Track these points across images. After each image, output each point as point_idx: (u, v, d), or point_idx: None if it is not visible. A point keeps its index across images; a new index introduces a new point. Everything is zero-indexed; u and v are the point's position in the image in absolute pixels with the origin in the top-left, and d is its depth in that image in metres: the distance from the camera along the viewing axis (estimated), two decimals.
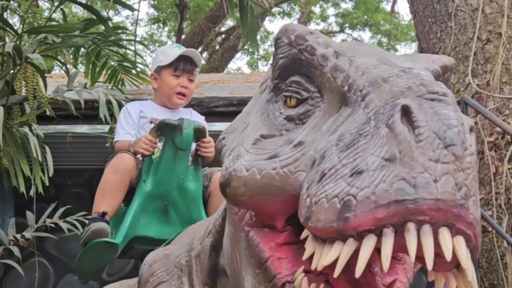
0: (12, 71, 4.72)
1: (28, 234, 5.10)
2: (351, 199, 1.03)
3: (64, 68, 5.65)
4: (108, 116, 4.88)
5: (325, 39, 1.36)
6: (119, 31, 5.83)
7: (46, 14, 8.60)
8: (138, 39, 13.75)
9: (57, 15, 6.57)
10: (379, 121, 1.08)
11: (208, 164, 3.50)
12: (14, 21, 9.45)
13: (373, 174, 1.03)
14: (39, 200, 5.08)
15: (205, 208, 3.37)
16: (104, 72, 5.77)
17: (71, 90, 5.13)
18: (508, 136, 4.26)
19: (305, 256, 1.16)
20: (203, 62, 16.45)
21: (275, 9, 17.79)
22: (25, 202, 5.03)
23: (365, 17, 18.27)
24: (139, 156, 3.32)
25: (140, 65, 5.97)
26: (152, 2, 17.17)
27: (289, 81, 1.37)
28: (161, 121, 3.26)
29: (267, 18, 18.44)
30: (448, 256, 1.00)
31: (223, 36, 17.76)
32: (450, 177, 1.00)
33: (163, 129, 3.21)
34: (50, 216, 5.20)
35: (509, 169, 4.26)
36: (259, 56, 19.73)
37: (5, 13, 4.96)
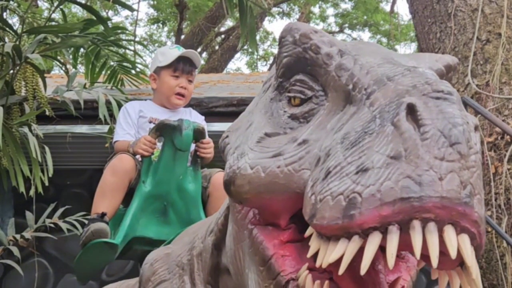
0: (11, 71, 4.72)
1: (27, 234, 5.09)
2: (356, 197, 1.04)
3: (63, 68, 5.65)
4: (107, 116, 4.87)
5: (329, 38, 1.36)
6: (119, 31, 5.83)
7: (45, 14, 8.60)
8: (137, 39, 13.77)
9: (57, 15, 6.58)
10: (385, 119, 1.08)
11: (207, 165, 3.50)
12: (14, 21, 9.47)
13: (378, 171, 1.03)
14: (39, 200, 5.08)
15: (204, 209, 3.37)
16: (103, 72, 5.77)
17: (70, 90, 5.13)
18: (508, 137, 4.26)
19: (310, 253, 1.16)
20: (202, 62, 16.45)
21: (274, 9, 17.80)
22: (24, 202, 5.03)
23: (365, 17, 18.27)
24: (138, 156, 3.32)
25: (139, 65, 5.97)
26: (152, 2, 17.17)
27: (293, 79, 1.37)
28: (161, 122, 3.26)
29: (266, 19, 18.43)
30: (453, 254, 1.00)
31: (223, 36, 17.75)
32: (455, 175, 1.01)
33: (162, 130, 3.21)
34: (50, 216, 5.20)
35: (508, 169, 4.26)
36: (258, 57, 19.74)
37: (4, 13, 4.96)
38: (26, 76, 5.01)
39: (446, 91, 1.07)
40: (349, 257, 1.05)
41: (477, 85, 4.63)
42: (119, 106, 4.63)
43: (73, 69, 6.00)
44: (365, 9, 17.93)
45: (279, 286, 1.26)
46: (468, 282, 1.09)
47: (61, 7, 5.09)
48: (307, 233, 1.21)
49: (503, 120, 4.32)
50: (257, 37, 15.86)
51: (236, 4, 5.08)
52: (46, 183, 4.63)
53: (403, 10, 37.82)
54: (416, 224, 1.00)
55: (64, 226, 5.05)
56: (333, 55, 1.32)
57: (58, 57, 5.73)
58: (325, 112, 1.29)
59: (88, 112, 5.14)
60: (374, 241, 1.03)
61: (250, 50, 18.91)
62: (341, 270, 1.06)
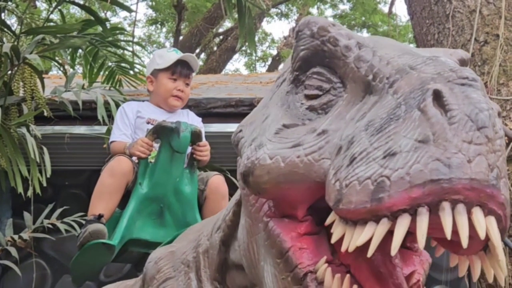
0: (9, 71, 4.72)
1: (25, 235, 5.09)
2: (384, 180, 1.05)
3: (61, 69, 5.65)
4: (106, 117, 4.88)
5: (347, 31, 1.38)
6: (117, 32, 5.83)
7: (44, 15, 8.60)
8: (136, 40, 13.76)
9: (55, 16, 6.58)
10: (410, 106, 1.09)
11: (203, 167, 3.50)
12: (12, 22, 9.46)
13: (406, 155, 1.04)
14: (37, 201, 5.07)
15: (200, 211, 3.37)
16: (102, 73, 5.77)
17: (69, 91, 5.13)
18: (506, 138, 4.26)
19: (334, 239, 1.17)
20: (200, 63, 16.46)
21: (272, 10, 17.80)
22: (22, 203, 5.02)
23: (363, 18, 18.28)
24: (135, 158, 3.32)
25: (138, 66, 5.97)
26: (150, 3, 17.16)
27: (310, 72, 1.38)
28: (158, 124, 3.27)
29: (264, 19, 18.44)
30: (482, 235, 1.01)
31: (221, 37, 17.75)
32: (483, 158, 1.02)
33: (160, 132, 3.21)
34: (48, 217, 5.19)
35: (507, 170, 4.27)
36: (257, 58, 19.73)
37: (3, 14, 4.96)
38: (24, 77, 5.00)
39: (470, 78, 1.09)
40: (378, 239, 1.06)
41: None
42: (118, 106, 4.63)
43: (71, 70, 5.99)
44: (363, 10, 17.94)
45: (297, 278, 1.27)
46: (492, 264, 1.11)
47: (59, 7, 5.09)
48: (328, 221, 1.22)
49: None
50: (256, 38, 15.86)
51: (235, 4, 5.08)
52: (44, 184, 4.63)
53: (402, 12, 37.89)
54: (446, 205, 1.01)
55: (62, 226, 5.04)
56: (352, 47, 1.33)
57: (56, 58, 5.73)
58: (343, 103, 1.30)
59: (86, 113, 5.14)
60: (403, 222, 1.03)
61: (248, 51, 18.92)
62: (370, 253, 1.06)
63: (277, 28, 50.43)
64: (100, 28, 5.33)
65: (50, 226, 5.13)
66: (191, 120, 3.76)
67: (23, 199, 4.71)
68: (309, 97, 1.37)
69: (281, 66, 19.26)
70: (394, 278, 1.29)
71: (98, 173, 3.42)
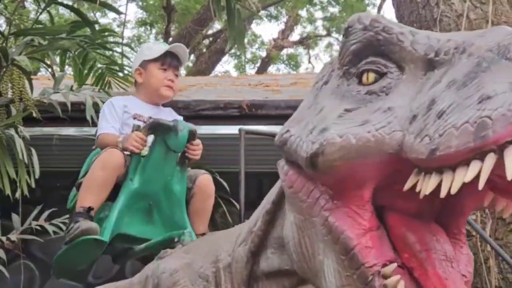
0: None
1: (13, 236, 5.07)
2: (485, 120, 1.06)
3: (50, 70, 5.64)
4: (95, 118, 4.87)
5: (397, 23, 1.46)
6: (106, 33, 5.82)
7: (33, 15, 8.56)
8: (125, 41, 13.74)
9: (45, 17, 6.56)
10: (493, 60, 1.13)
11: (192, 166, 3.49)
12: (0, 23, 9.42)
13: (503, 96, 1.06)
14: (25, 203, 5.06)
15: (187, 209, 3.36)
16: (91, 74, 5.76)
17: (57, 92, 5.12)
18: None
19: (429, 189, 1.18)
20: (190, 64, 16.45)
21: (262, 12, 17.81)
22: (10, 204, 5.00)
23: None
24: (127, 152, 3.30)
25: (127, 68, 5.96)
26: (140, 3, 17.13)
27: (362, 63, 1.43)
28: (155, 121, 3.24)
29: (254, 21, 18.45)
30: None
31: (210, 39, 17.75)
32: None
33: (156, 129, 3.20)
34: (36, 218, 5.18)
35: None
36: (246, 59, 19.73)
37: None
38: (13, 78, 4.98)
39: None
40: (487, 172, 1.07)
41: None
42: None
43: (60, 71, 5.98)
44: (352, 12, 17.98)
45: (364, 276, 1.29)
46: None
47: (48, 9, 5.08)
48: (408, 185, 1.24)
49: None
50: (245, 40, 15.87)
51: (224, 6, 5.08)
52: (33, 185, 4.61)
53: (390, 15, 37.98)
54: None
55: (50, 228, 5.03)
56: (406, 33, 1.39)
57: (45, 59, 5.71)
58: (403, 83, 1.35)
59: (75, 114, 5.13)
60: None
61: (238, 53, 18.91)
62: (481, 185, 1.08)
63: (266, 30, 50.40)
64: (89, 30, 5.32)
65: (38, 227, 5.11)
66: (174, 118, 3.75)
67: (11, 201, 4.69)
68: (364, 85, 1.41)
69: (269, 68, 19.26)
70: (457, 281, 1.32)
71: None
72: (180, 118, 3.85)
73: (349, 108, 1.40)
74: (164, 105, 3.87)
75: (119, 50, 6.09)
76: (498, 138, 1.05)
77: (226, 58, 19.37)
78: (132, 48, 12.39)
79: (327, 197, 1.42)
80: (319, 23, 19.79)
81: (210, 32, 17.76)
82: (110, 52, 5.94)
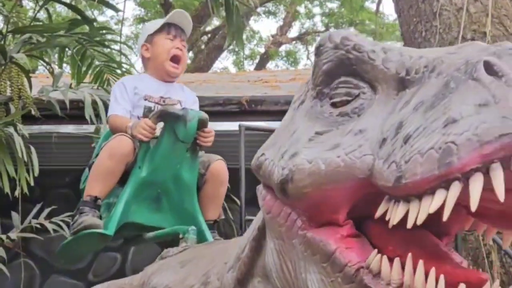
0: None
1: (13, 235, 5.06)
2: (450, 146, 1.03)
3: (48, 68, 5.62)
4: (93, 116, 4.86)
5: (369, 40, 1.41)
6: (104, 31, 5.80)
7: (31, 13, 8.55)
8: (123, 38, 13.71)
9: (42, 15, 6.55)
10: (461, 79, 1.09)
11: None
12: None
13: (469, 119, 1.03)
14: (25, 201, 5.05)
15: (198, 194, 3.34)
16: (90, 72, 5.74)
17: (56, 90, 5.11)
18: None
19: (396, 220, 1.15)
20: (188, 61, 16.42)
21: (260, 9, 17.80)
22: (10, 202, 4.99)
23: (351, 16, 18.30)
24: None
25: (125, 65, 5.95)
26: (138, 0, 17.11)
27: (335, 83, 1.38)
28: (164, 110, 3.20)
29: (252, 18, 18.43)
30: None
31: (209, 35, 17.73)
32: None
33: (165, 118, 3.16)
34: (36, 216, 5.17)
35: None
36: (245, 56, 19.72)
37: None
38: (11, 76, 4.97)
39: None
40: (452, 202, 1.04)
41: None
42: (105, 106, 4.62)
43: (58, 69, 5.96)
44: (351, 7, 17.97)
45: (348, 276, 1.25)
46: None
47: (46, 6, 5.06)
48: (379, 212, 1.21)
49: None
50: (244, 36, 15.86)
51: (222, 3, 5.07)
52: (32, 183, 4.61)
53: (389, 10, 37.93)
54: None
55: (50, 226, 5.02)
56: (377, 51, 1.35)
57: (44, 57, 5.70)
58: (376, 103, 1.31)
59: (74, 112, 5.12)
60: (478, 179, 1.02)
61: (236, 49, 18.91)
62: (445, 217, 1.05)
63: (264, 26, 50.40)
64: (87, 27, 5.30)
65: (38, 226, 5.10)
66: (186, 95, 3.70)
67: (10, 199, 4.69)
68: (337, 105, 1.37)
69: (268, 65, 19.27)
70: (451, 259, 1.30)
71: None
72: (193, 94, 3.81)
73: (320, 131, 1.36)
74: None
75: (117, 47, 6.05)
76: (463, 165, 1.02)
77: (224, 54, 19.39)
78: (129, 47, 12.39)
79: (304, 219, 1.38)
80: (318, 19, 19.82)
81: (208, 29, 17.76)
82: (109, 50, 5.92)
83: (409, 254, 1.17)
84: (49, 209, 5.25)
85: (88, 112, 4.82)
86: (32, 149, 4.68)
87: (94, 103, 4.92)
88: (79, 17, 4.93)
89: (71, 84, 5.31)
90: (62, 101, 4.95)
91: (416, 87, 1.22)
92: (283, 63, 20.26)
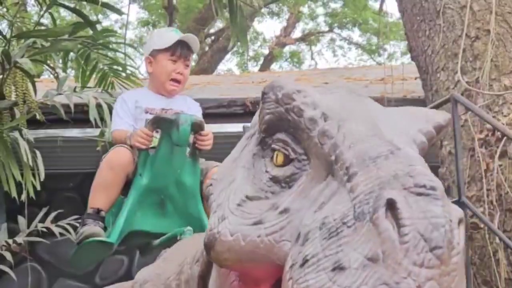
0: (1, 76, 4.70)
1: (20, 239, 5.07)
2: None
3: (53, 72, 5.64)
4: (98, 120, 4.87)
5: (313, 98, 1.31)
6: (108, 34, 5.81)
7: (35, 18, 8.57)
8: (127, 42, 13.73)
9: (46, 20, 6.57)
10: (363, 213, 1.06)
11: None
12: (3, 26, 9.42)
13: (355, 273, 1.01)
14: (31, 205, 5.06)
15: (203, 202, 3.34)
16: (94, 75, 5.75)
17: (60, 94, 5.12)
18: (498, 133, 4.27)
19: None
20: (192, 63, 16.44)
21: (263, 10, 17.80)
22: (16, 207, 5.01)
23: (354, 15, 18.28)
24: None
25: (130, 68, 5.95)
26: (142, 3, 17.14)
27: (275, 138, 1.33)
28: (157, 116, 3.22)
29: (256, 19, 18.45)
30: None
31: (212, 37, 17.75)
32: (435, 283, 0.99)
33: (159, 123, 3.18)
34: (42, 220, 5.18)
35: (499, 165, 4.27)
36: (249, 57, 19.72)
37: None
38: (16, 81, 4.99)
39: (428, 186, 1.04)
40: None
41: (467, 82, 4.64)
42: (110, 109, 4.63)
43: (63, 73, 5.98)
44: (354, 7, 17.95)
45: None
46: None
47: (49, 11, 5.08)
48: None
49: (493, 117, 4.33)
50: (247, 37, 15.86)
51: (226, 4, 5.07)
52: (38, 188, 4.62)
53: (392, 9, 37.91)
54: None
55: (56, 230, 5.03)
56: (317, 119, 1.26)
57: (48, 62, 5.72)
58: (307, 179, 1.26)
59: (78, 116, 5.14)
60: None
61: (240, 50, 18.91)
62: None
63: (268, 27, 50.38)
64: (91, 31, 5.31)
65: (44, 229, 5.12)
66: (189, 106, 3.70)
67: (17, 204, 4.70)
68: (274, 165, 1.33)
69: (272, 66, 19.27)
70: None
71: (92, 176, 3.41)
72: (197, 104, 3.81)
73: (250, 196, 1.33)
74: None
75: (121, 50, 6.06)
76: None
77: (228, 56, 19.40)
78: (135, 48, 12.39)
79: (236, 273, 1.38)
80: (321, 19, 19.79)
81: (212, 31, 17.77)
82: (113, 53, 5.93)
83: None
84: (55, 212, 5.27)
85: (93, 115, 4.83)
86: (38, 153, 4.69)
87: (98, 106, 4.93)
88: (82, 21, 4.94)
89: (75, 88, 5.32)
90: (67, 105, 4.96)
91: (337, 185, 1.17)
92: (287, 65, 20.27)
